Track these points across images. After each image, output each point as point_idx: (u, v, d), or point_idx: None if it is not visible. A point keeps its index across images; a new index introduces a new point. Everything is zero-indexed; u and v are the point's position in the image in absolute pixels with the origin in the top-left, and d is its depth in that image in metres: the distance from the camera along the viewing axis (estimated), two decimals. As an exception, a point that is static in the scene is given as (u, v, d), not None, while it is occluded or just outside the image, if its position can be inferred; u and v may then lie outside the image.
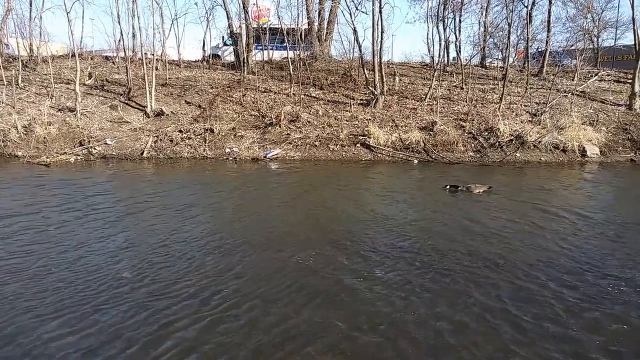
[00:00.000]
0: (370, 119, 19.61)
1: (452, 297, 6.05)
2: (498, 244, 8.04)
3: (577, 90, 21.79)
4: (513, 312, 5.63)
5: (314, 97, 21.73)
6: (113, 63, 24.87)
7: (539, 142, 17.91)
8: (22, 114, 18.86)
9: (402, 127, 19.12)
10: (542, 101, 20.67)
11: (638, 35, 21.24)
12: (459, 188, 12.18)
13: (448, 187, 12.39)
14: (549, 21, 23.79)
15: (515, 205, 10.92)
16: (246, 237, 8.28)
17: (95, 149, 17.75)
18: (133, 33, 22.05)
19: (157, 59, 22.79)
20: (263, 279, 6.53)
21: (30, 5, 23.96)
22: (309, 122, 19.63)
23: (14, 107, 19.12)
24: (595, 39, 27.72)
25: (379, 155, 17.87)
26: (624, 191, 13.42)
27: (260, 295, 6.04)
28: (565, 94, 21.09)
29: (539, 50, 26.53)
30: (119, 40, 22.44)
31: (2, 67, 20.78)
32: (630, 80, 21.31)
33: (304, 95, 21.71)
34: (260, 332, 5.17)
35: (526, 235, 8.56)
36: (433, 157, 17.63)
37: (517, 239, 8.36)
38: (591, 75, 24.01)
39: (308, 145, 18.37)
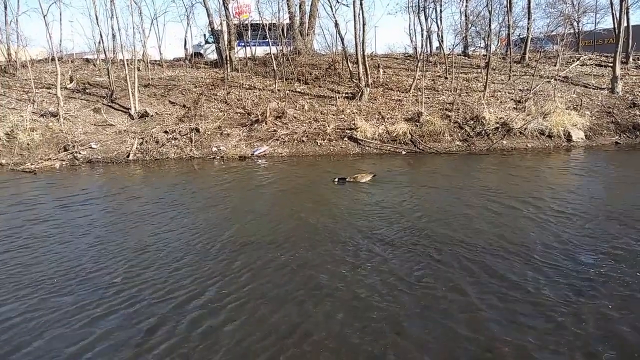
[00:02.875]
0: (356, 112, 19.59)
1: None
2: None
3: (559, 76, 21.98)
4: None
5: (299, 92, 21.66)
6: (94, 65, 24.52)
7: (525, 128, 18.05)
8: (3, 120, 18.52)
9: (388, 119, 19.15)
10: (525, 88, 20.83)
11: (617, 19, 21.46)
12: (347, 179, 12.61)
13: (336, 180, 12.71)
14: (529, 7, 23.97)
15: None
16: (235, 237, 8.30)
17: (80, 153, 17.53)
18: (113, 34, 21.83)
19: (138, 60, 22.52)
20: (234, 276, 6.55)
21: (5, 9, 23.55)
22: (295, 117, 19.56)
23: (-6, 114, 18.80)
24: (576, 24, 28.00)
25: (367, 148, 17.88)
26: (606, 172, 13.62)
27: (242, 291, 6.08)
28: (548, 79, 21.26)
29: (521, 37, 26.70)
30: (99, 42, 22.10)
31: (-20, 74, 20.41)
32: (611, 64, 21.53)
33: (289, 90, 21.62)
34: (251, 326, 5.19)
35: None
36: (420, 148, 17.68)
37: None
38: (573, 60, 24.22)
39: (295, 141, 18.32)
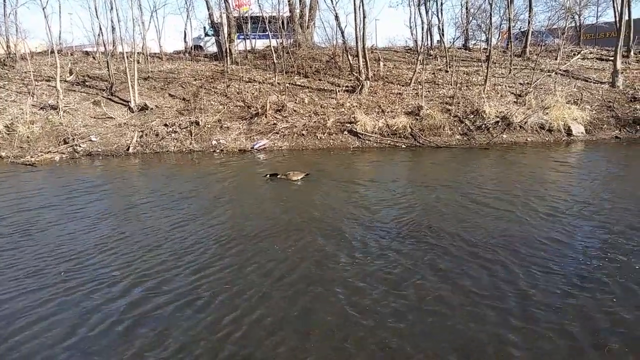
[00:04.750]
0: (356, 106, 19.56)
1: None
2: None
3: (560, 70, 21.92)
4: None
5: (299, 86, 21.61)
6: (94, 58, 24.46)
7: (525, 122, 18.02)
8: (3, 113, 18.55)
9: (388, 112, 19.12)
10: (526, 81, 20.77)
11: (618, 13, 21.37)
12: (278, 176, 12.43)
13: (268, 175, 12.60)
14: (530, 0, 23.81)
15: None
16: (232, 230, 8.32)
17: (80, 146, 17.53)
18: (112, 26, 21.71)
19: (138, 52, 22.45)
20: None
21: (4, 1, 23.46)
22: (295, 111, 19.53)
23: (-6, 107, 18.80)
24: (577, 17, 27.83)
25: (367, 142, 17.86)
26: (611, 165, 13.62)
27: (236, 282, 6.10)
28: (549, 73, 21.21)
29: (522, 30, 26.58)
30: (99, 35, 22.01)
31: (-21, 67, 20.39)
32: (612, 58, 21.46)
33: (289, 84, 21.57)
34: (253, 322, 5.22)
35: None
36: (420, 142, 17.67)
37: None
38: (574, 54, 24.15)
39: (295, 135, 18.31)
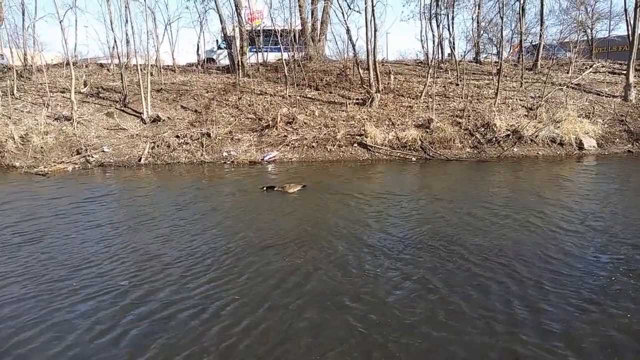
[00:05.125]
0: (366, 119, 19.61)
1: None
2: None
3: (572, 83, 21.82)
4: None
5: (310, 98, 21.74)
6: (108, 70, 24.86)
7: (536, 136, 17.94)
8: (18, 124, 18.87)
9: (398, 125, 19.14)
10: (537, 95, 20.70)
11: (631, 26, 21.27)
12: (275, 188, 12.42)
13: (265, 188, 12.59)
14: (542, 14, 23.80)
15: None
16: (241, 241, 8.35)
17: (92, 157, 17.75)
18: (127, 39, 22.07)
19: (151, 65, 22.77)
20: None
21: (23, 14, 23.95)
22: (305, 123, 19.63)
23: (10, 118, 19.11)
24: (589, 31, 27.77)
25: (377, 154, 17.88)
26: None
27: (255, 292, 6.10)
28: (560, 87, 21.11)
29: (533, 43, 26.55)
30: (113, 47, 22.42)
31: (-4, 78, 20.81)
32: (624, 72, 21.33)
33: (300, 96, 21.71)
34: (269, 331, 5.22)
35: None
36: (430, 154, 17.64)
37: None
38: (586, 68, 24.03)
39: (305, 147, 18.38)
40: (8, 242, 8.72)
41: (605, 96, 21.03)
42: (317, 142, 18.53)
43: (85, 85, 22.30)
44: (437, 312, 5.71)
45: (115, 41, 21.76)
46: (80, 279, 6.93)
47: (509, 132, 18.19)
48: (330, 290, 6.35)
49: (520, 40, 23.90)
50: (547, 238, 8.23)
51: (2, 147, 17.64)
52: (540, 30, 23.76)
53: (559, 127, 18.13)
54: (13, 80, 21.32)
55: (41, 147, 17.84)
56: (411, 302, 5.97)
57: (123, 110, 20.77)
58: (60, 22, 20.71)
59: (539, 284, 6.39)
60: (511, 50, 27.18)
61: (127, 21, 21.32)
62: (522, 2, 22.88)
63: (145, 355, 5.00)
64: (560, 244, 7.93)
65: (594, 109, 19.82)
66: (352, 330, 5.36)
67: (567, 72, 23.09)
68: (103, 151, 18.09)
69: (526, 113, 19.59)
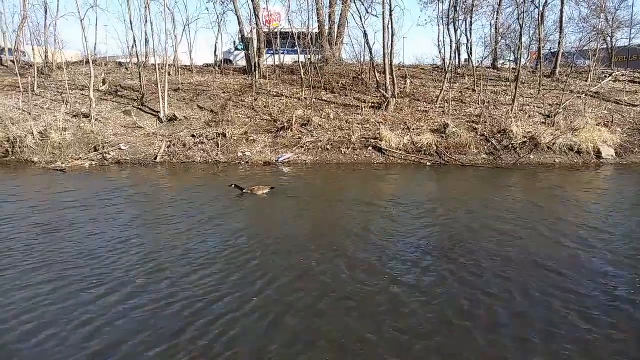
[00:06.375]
0: (381, 122, 19.58)
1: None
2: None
3: (591, 91, 21.60)
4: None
5: (326, 101, 21.77)
6: (126, 69, 25.18)
7: (553, 143, 17.75)
8: (38, 120, 19.14)
9: (414, 129, 19.08)
10: (555, 102, 20.52)
11: (653, 35, 21.01)
12: (244, 190, 12.15)
13: (233, 186, 12.31)
14: (561, 21, 23.65)
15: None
16: (255, 242, 8.38)
17: (109, 154, 17.94)
18: (146, 39, 22.34)
19: (169, 65, 22.98)
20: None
21: (45, 13, 24.40)
22: (320, 125, 19.65)
23: (30, 114, 19.41)
24: (609, 39, 27.47)
25: (391, 158, 17.82)
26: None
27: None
28: (579, 95, 20.90)
29: (552, 51, 26.35)
30: (132, 46, 22.70)
31: (18, 75, 21.15)
32: (645, 81, 21.08)
33: (316, 99, 21.76)
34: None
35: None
36: (445, 159, 17.55)
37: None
38: (605, 76, 23.79)
39: (320, 149, 18.39)
40: (26, 232, 8.87)
41: (625, 105, 20.80)
42: (331, 144, 18.54)
43: (104, 83, 22.58)
44: (452, 318, 5.67)
45: (134, 40, 22.08)
46: (96, 272, 6.99)
47: (525, 139, 18.02)
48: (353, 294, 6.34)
49: (539, 47, 23.73)
50: (561, 248, 8.09)
51: (21, 142, 17.89)
52: (560, 37, 23.61)
53: (577, 135, 17.93)
54: (34, 77, 21.64)
55: (59, 143, 18.07)
56: (423, 307, 5.94)
57: (140, 109, 20.99)
58: (81, 21, 21.02)
59: (554, 294, 6.27)
60: (529, 57, 26.99)
61: (146, 21, 21.57)
62: (541, 9, 22.73)
63: (157, 350, 5.03)
64: (576, 254, 7.77)
65: (612, 117, 19.58)
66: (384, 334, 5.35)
67: (586, 80, 22.85)
68: (120, 149, 18.28)
69: (544, 120, 19.41)
